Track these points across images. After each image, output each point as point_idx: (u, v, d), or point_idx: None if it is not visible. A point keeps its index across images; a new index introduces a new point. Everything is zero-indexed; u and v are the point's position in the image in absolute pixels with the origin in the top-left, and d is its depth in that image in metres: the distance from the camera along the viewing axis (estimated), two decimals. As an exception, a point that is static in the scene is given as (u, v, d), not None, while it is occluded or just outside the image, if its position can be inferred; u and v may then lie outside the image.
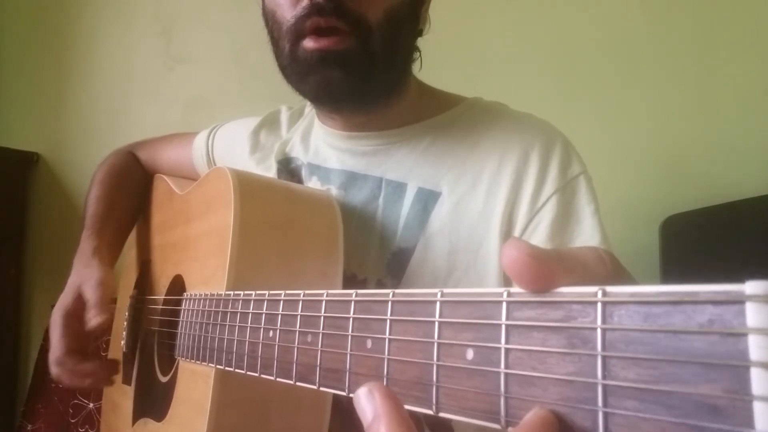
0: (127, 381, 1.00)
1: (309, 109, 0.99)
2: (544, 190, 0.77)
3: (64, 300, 0.94)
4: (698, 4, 1.58)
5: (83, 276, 0.94)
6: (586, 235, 0.76)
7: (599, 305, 0.23)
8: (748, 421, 0.18)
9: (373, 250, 0.82)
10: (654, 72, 1.59)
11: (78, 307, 0.92)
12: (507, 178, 0.78)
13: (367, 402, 0.30)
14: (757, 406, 0.18)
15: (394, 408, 0.29)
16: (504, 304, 0.27)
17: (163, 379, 0.83)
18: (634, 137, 1.61)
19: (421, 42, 0.86)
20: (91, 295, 0.90)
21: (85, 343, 0.94)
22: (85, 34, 1.99)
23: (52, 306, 1.69)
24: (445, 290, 0.31)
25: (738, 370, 0.19)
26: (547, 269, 0.27)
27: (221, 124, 1.10)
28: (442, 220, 0.79)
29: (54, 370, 0.91)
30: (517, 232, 0.77)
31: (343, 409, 0.75)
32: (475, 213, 0.78)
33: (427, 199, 0.81)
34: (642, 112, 1.60)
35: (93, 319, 0.87)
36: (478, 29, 1.73)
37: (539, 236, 0.75)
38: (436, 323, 0.31)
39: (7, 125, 2.01)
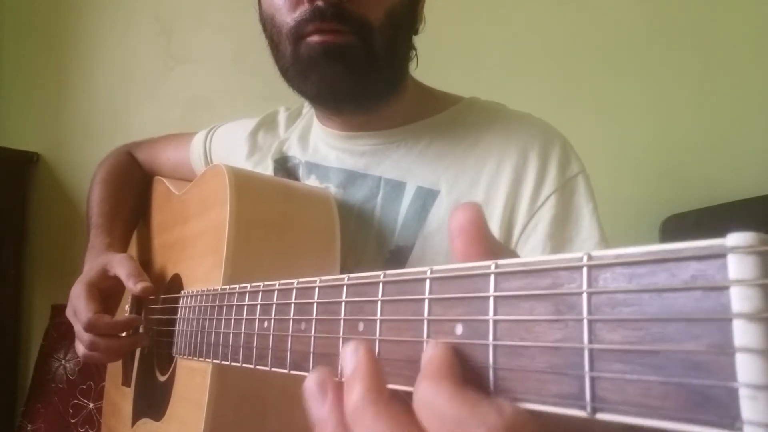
0: (126, 382, 1.00)
1: (307, 109, 0.99)
2: (543, 189, 0.77)
3: (84, 277, 0.91)
4: (698, 3, 1.58)
5: (104, 259, 0.93)
6: (585, 234, 0.76)
7: (585, 269, 0.23)
8: (731, 374, 0.18)
9: (371, 249, 0.82)
10: (654, 72, 1.59)
11: (102, 279, 0.90)
12: (506, 178, 0.78)
13: (351, 356, 0.32)
14: (739, 358, 0.18)
15: (373, 367, 0.31)
16: (492, 276, 0.27)
17: (162, 379, 0.83)
18: (634, 137, 1.60)
19: (419, 41, 0.86)
20: (121, 269, 0.88)
21: (111, 310, 0.92)
22: (85, 34, 2.00)
23: (53, 306, 1.72)
24: (435, 267, 0.31)
25: (721, 323, 0.19)
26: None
27: (219, 124, 1.10)
28: (441, 218, 0.79)
29: (84, 340, 0.86)
30: (516, 232, 0.77)
31: None
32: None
33: (426, 197, 0.81)
34: (642, 113, 1.60)
35: (138, 284, 0.84)
36: (477, 29, 1.73)
37: (538, 235, 0.76)
38: (426, 301, 0.31)
39: (7, 125, 2.01)
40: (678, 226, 1.48)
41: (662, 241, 1.50)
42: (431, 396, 0.27)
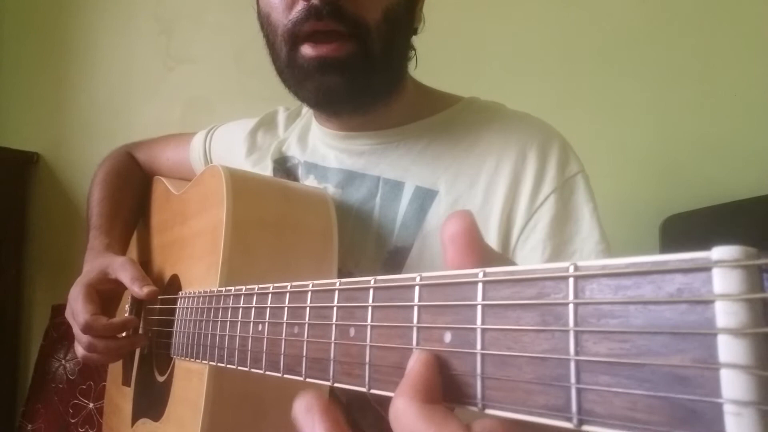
0: (126, 382, 1.00)
1: (306, 109, 0.99)
2: (543, 189, 0.77)
3: (83, 278, 0.91)
4: (698, 3, 1.58)
5: (103, 262, 0.93)
6: (584, 233, 0.76)
7: (571, 280, 0.23)
8: (716, 389, 0.18)
9: (370, 249, 0.81)
10: (654, 72, 1.59)
11: (102, 281, 0.90)
12: (505, 178, 0.78)
13: (305, 420, 0.32)
14: (724, 374, 0.18)
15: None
16: (480, 285, 0.27)
17: (161, 379, 0.83)
18: (634, 137, 1.60)
19: (418, 41, 0.86)
20: (124, 274, 0.87)
21: (109, 313, 0.91)
22: (85, 34, 2.00)
23: (53, 306, 1.72)
24: (424, 274, 0.31)
25: (706, 338, 0.19)
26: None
27: (219, 125, 1.10)
28: (440, 219, 0.79)
29: (82, 341, 0.86)
30: (515, 232, 0.76)
31: (373, 408, 0.75)
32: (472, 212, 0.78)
33: (424, 197, 0.80)
34: (642, 112, 1.60)
35: (144, 288, 0.84)
36: (477, 29, 1.73)
37: (538, 235, 0.75)
38: (415, 308, 0.31)
39: (7, 125, 2.02)
40: (678, 226, 1.47)
41: (662, 240, 1.50)
42: (402, 411, 0.27)
